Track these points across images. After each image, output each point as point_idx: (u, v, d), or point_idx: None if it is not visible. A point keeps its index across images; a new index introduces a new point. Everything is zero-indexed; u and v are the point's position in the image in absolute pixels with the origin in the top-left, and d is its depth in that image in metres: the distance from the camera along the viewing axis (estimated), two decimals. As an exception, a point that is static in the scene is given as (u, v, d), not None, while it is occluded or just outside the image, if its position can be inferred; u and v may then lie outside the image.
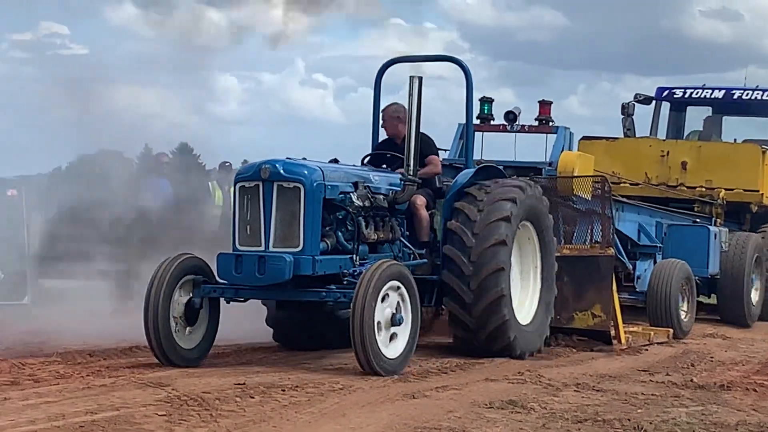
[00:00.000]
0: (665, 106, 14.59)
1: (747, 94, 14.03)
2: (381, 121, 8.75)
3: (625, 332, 9.56)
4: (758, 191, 13.11)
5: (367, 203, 7.70)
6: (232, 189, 7.79)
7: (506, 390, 6.64)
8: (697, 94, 14.25)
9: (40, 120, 11.15)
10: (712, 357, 9.31)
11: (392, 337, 7.09)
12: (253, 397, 5.91)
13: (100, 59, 11.90)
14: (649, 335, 10.09)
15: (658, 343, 9.99)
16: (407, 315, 7.15)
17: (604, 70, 62.67)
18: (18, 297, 10.64)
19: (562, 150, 11.73)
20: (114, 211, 10.49)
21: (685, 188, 13.15)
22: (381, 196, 7.92)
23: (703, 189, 13.10)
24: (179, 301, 7.29)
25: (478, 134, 12.00)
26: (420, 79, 7.92)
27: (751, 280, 12.44)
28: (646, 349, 9.63)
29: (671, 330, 10.57)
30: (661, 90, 14.52)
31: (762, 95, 13.98)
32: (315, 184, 7.27)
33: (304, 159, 7.67)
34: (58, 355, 7.72)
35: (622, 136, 13.97)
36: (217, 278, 7.38)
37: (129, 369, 7.08)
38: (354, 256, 7.50)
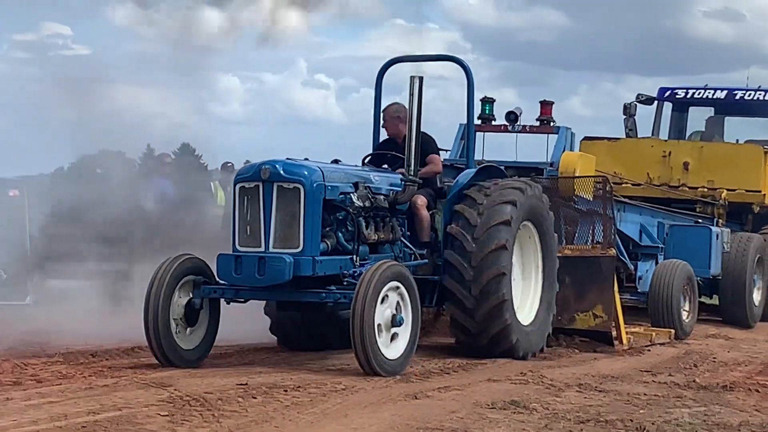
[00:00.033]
0: (667, 107, 14.58)
1: (749, 95, 14.02)
2: (382, 121, 8.74)
3: (627, 333, 9.55)
4: (760, 192, 13.11)
5: (367, 203, 7.69)
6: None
7: (508, 390, 6.64)
8: (699, 94, 14.24)
9: (42, 120, 11.15)
10: (714, 357, 9.30)
11: (393, 337, 7.08)
12: (255, 398, 5.91)
13: (102, 59, 11.89)
14: (650, 336, 10.08)
15: (659, 344, 9.99)
16: (407, 315, 7.14)
17: (606, 70, 62.75)
18: (20, 297, 10.66)
19: (564, 150, 11.73)
20: (116, 212, 10.48)
21: (686, 189, 13.15)
22: (381, 197, 7.91)
23: (705, 189, 13.09)
24: (179, 302, 7.28)
25: (479, 134, 12.01)
26: (421, 79, 7.92)
27: (753, 281, 12.44)
28: (649, 350, 9.63)
29: (673, 331, 10.57)
30: (663, 90, 14.51)
31: (764, 96, 13.97)
32: (315, 185, 7.26)
33: (306, 159, 7.67)
34: (61, 355, 7.72)
35: (624, 136, 13.96)
36: (217, 279, 7.38)
37: (131, 369, 7.08)
38: (354, 256, 7.49)
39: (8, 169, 11.72)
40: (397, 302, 7.09)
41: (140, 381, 6.46)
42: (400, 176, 8.13)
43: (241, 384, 6.33)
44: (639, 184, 13.08)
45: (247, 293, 7.39)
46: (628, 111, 14.12)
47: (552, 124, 12.27)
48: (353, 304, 6.78)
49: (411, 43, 8.56)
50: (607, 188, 10.09)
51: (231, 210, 7.48)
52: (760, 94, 14.00)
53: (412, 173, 8.02)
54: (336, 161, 8.07)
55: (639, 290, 11.56)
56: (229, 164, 13.78)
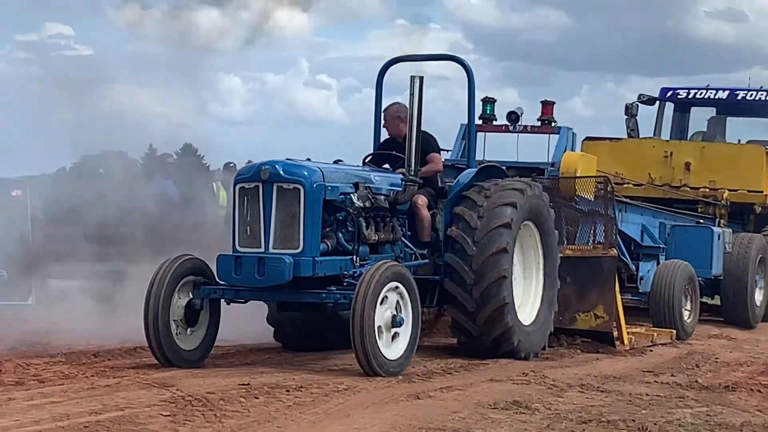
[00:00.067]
0: (669, 107, 14.58)
1: (751, 95, 14.01)
2: (383, 121, 8.73)
3: (628, 333, 9.55)
4: (762, 192, 13.10)
5: (367, 204, 7.68)
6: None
7: (511, 391, 6.64)
8: (701, 94, 14.24)
9: (44, 121, 11.15)
10: (716, 358, 9.30)
11: (393, 337, 7.08)
12: (257, 398, 5.92)
13: (105, 60, 11.89)
14: (652, 336, 10.08)
15: (661, 344, 9.99)
16: (407, 316, 7.13)
17: (608, 70, 62.70)
18: (22, 297, 10.66)
19: (565, 150, 11.73)
20: (118, 212, 10.49)
21: (688, 189, 13.15)
22: (382, 197, 7.90)
23: (707, 190, 13.09)
24: (179, 303, 7.28)
25: (480, 135, 12.00)
26: (421, 78, 7.91)
27: (754, 282, 12.43)
28: (651, 350, 9.62)
29: (674, 331, 10.56)
30: (664, 90, 14.51)
31: (766, 96, 13.96)
32: (315, 185, 7.25)
33: (309, 159, 7.67)
34: (63, 355, 7.73)
35: (625, 136, 13.96)
36: (217, 279, 7.37)
37: (133, 369, 7.09)
38: (354, 257, 7.48)
39: (11, 169, 11.74)
40: (397, 303, 7.08)
41: (142, 381, 6.47)
42: (401, 176, 8.13)
43: (244, 384, 6.33)
44: (641, 185, 13.08)
45: (247, 294, 7.39)
46: (630, 111, 14.12)
47: (553, 124, 12.27)
48: (353, 304, 6.78)
49: (413, 43, 8.53)
50: (609, 188, 10.08)
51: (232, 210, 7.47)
52: (762, 95, 13.99)
53: (412, 173, 8.02)
54: (338, 161, 8.07)
55: (640, 291, 11.55)
56: (231, 164, 13.77)
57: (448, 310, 8.09)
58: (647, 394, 6.77)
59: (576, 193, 10.24)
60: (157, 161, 13.07)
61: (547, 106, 12.41)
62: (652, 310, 10.98)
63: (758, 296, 12.60)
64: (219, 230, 10.62)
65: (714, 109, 14.74)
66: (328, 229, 7.41)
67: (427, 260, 8.23)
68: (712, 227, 12.35)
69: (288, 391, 6.16)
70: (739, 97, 14.08)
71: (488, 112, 12.48)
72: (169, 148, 13.43)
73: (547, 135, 12.21)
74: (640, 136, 14.04)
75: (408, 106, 7.86)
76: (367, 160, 8.57)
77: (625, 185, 12.89)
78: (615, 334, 9.30)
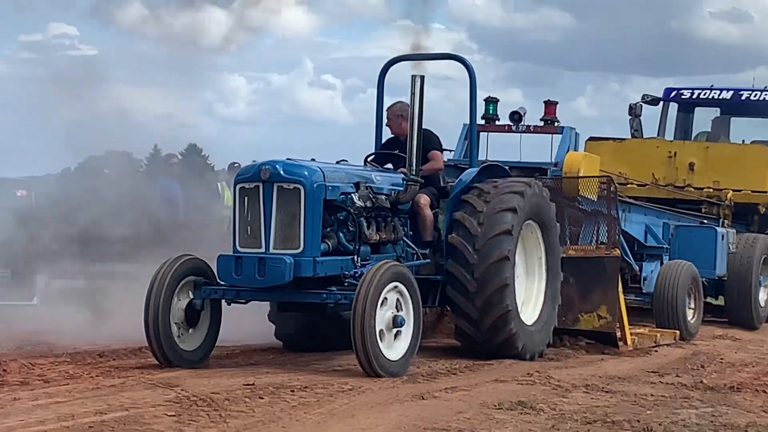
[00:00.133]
0: (673, 107, 14.56)
1: (755, 95, 14.00)
2: (385, 120, 8.72)
3: (631, 334, 9.54)
4: (766, 192, 13.08)
5: (368, 203, 7.66)
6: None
7: (515, 391, 6.64)
8: (705, 95, 14.22)
9: (48, 121, 11.17)
10: (721, 358, 9.30)
11: (395, 336, 7.06)
12: (262, 398, 5.92)
13: (109, 60, 11.91)
14: (655, 337, 10.07)
15: (664, 345, 9.98)
16: (408, 316, 7.12)
17: (612, 71, 62.69)
18: (27, 297, 10.68)
19: (568, 150, 11.72)
20: (123, 212, 10.50)
21: (692, 189, 13.13)
22: (383, 196, 7.87)
23: (711, 190, 13.08)
24: (180, 303, 7.27)
25: (483, 135, 12.01)
26: (422, 77, 7.90)
27: (758, 282, 12.41)
28: (656, 351, 9.62)
29: (678, 332, 10.55)
30: (668, 91, 14.50)
31: (770, 96, 13.95)
32: (315, 185, 7.23)
33: (313, 160, 7.66)
34: (68, 355, 7.74)
35: (629, 137, 13.95)
36: (218, 279, 7.37)
37: (138, 369, 7.09)
38: (356, 257, 7.46)
39: (15, 169, 11.76)
40: (399, 303, 7.07)
41: (147, 381, 6.47)
42: (402, 176, 8.11)
43: (248, 384, 6.33)
44: (644, 185, 13.07)
45: (248, 294, 7.38)
46: (634, 111, 14.11)
47: (556, 124, 12.27)
48: (354, 305, 6.76)
49: (417, 43, 8.49)
50: (612, 188, 10.07)
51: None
52: (766, 95, 13.97)
53: (413, 172, 8.00)
54: (341, 161, 8.05)
55: (644, 291, 11.53)
56: (236, 164, 13.75)
57: (451, 317, 8.07)
58: (652, 395, 6.77)
59: (579, 193, 10.22)
60: (161, 162, 13.08)
61: (550, 105, 12.41)
62: (656, 311, 10.97)
63: (762, 297, 12.59)
64: (224, 230, 10.63)
65: (718, 109, 14.72)
66: (328, 229, 7.40)
67: (428, 260, 8.21)
68: (716, 227, 12.33)
69: (293, 391, 6.16)
70: (743, 98, 14.07)
71: (491, 112, 12.48)
72: (173, 149, 13.46)
73: (550, 135, 12.21)
74: (644, 137, 14.03)
75: (409, 105, 7.85)
76: (369, 160, 8.54)
77: (628, 185, 12.88)
78: (618, 334, 9.30)
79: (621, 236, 10.36)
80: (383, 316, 6.91)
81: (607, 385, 7.11)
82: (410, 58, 8.79)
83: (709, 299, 12.34)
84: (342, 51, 65.84)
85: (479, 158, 9.68)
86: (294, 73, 66.64)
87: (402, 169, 8.19)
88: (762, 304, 12.56)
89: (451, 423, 5.49)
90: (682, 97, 14.39)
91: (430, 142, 8.34)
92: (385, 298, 6.93)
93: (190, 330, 7.38)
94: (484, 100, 12.40)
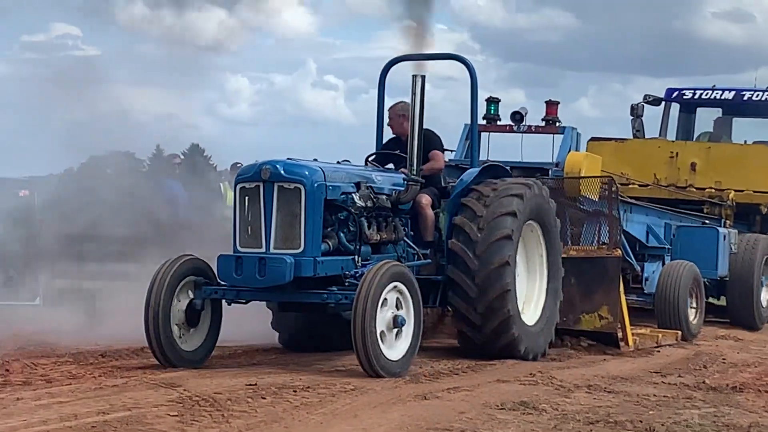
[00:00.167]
0: (675, 108, 14.56)
1: (757, 96, 14.00)
2: (387, 120, 8.72)
3: (633, 334, 9.54)
4: (768, 192, 13.09)
5: (369, 203, 7.65)
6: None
7: (518, 391, 6.64)
8: (706, 95, 14.22)
9: (51, 121, 11.18)
10: (724, 359, 9.30)
11: (396, 336, 7.06)
12: (264, 398, 5.92)
13: (112, 60, 11.93)
14: (656, 337, 10.07)
15: (666, 345, 9.97)
16: (409, 316, 7.11)
17: (615, 71, 62.72)
18: (30, 298, 10.69)
19: (569, 150, 11.72)
20: (125, 212, 10.50)
21: (694, 189, 13.14)
22: (384, 196, 7.87)
23: (713, 190, 13.09)
24: (180, 304, 7.27)
25: (484, 135, 12.01)
26: (423, 77, 7.88)
27: (760, 282, 12.42)
28: (658, 351, 9.62)
29: (679, 332, 10.55)
30: (670, 91, 14.50)
31: (772, 97, 13.95)
32: (316, 185, 7.23)
33: (315, 160, 7.66)
34: (70, 355, 7.75)
35: (631, 137, 13.95)
36: (218, 280, 7.37)
37: (141, 369, 7.10)
38: (356, 257, 7.45)
39: (18, 169, 11.77)
40: (399, 303, 7.06)
41: (150, 381, 6.48)
42: (403, 176, 8.11)
43: (251, 384, 6.34)
44: (646, 185, 13.07)
45: (248, 294, 7.37)
46: (636, 112, 14.11)
47: (557, 124, 12.26)
48: (354, 306, 6.75)
49: (419, 44, 8.47)
50: (613, 189, 10.07)
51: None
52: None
53: (414, 172, 8.00)
54: (343, 161, 8.05)
55: (645, 291, 11.53)
56: (238, 165, 13.74)
57: (453, 321, 8.06)
58: (655, 395, 6.77)
59: (580, 194, 10.22)
60: (164, 162, 13.09)
61: (552, 106, 12.41)
62: (657, 311, 10.97)
63: (764, 297, 12.59)
64: (226, 230, 10.63)
65: (720, 109, 14.73)
66: (329, 229, 7.39)
67: (429, 260, 8.21)
68: (718, 228, 12.33)
69: (295, 391, 6.17)
70: (745, 98, 14.07)
71: (492, 112, 12.48)
72: (176, 149, 13.47)
73: (552, 135, 12.21)
74: (646, 137, 14.03)
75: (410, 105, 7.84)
76: (370, 160, 8.54)
77: (630, 186, 12.89)
78: (619, 335, 9.30)
79: (622, 236, 10.35)
80: (384, 316, 6.91)
81: (610, 386, 7.11)
82: (411, 58, 8.77)
83: (710, 300, 12.34)
84: (344, 51, 65.93)
85: (480, 158, 9.67)
86: (297, 73, 66.74)
87: (403, 169, 8.19)
88: (764, 304, 12.56)
89: (453, 423, 5.49)
90: (684, 97, 14.39)
91: (431, 142, 8.34)
92: (386, 298, 6.92)
93: (191, 330, 7.38)
94: (486, 100, 12.40)
